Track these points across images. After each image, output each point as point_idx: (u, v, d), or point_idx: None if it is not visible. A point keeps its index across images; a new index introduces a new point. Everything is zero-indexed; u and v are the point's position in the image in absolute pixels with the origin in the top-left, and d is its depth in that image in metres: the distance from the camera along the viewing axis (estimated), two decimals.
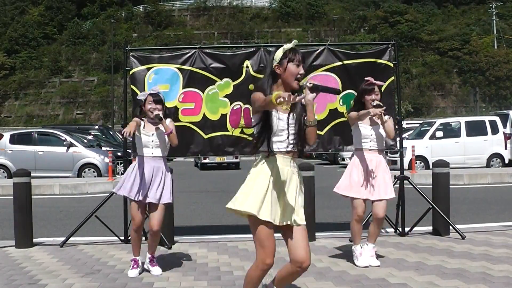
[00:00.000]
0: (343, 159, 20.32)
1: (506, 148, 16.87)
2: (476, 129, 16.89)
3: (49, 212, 8.94)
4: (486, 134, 16.82)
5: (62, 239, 5.99)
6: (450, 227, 5.93)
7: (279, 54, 2.96)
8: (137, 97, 4.70)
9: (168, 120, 4.59)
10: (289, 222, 2.94)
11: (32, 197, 5.97)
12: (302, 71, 2.93)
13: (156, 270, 4.56)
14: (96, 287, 4.16)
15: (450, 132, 17.00)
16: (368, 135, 4.64)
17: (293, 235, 2.94)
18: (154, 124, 4.52)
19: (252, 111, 2.99)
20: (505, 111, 19.06)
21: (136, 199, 4.48)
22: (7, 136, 15.76)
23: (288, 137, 2.92)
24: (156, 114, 4.42)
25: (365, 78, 4.73)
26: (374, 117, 4.58)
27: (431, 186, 6.21)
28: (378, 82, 4.68)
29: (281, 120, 2.90)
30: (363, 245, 4.72)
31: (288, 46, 2.97)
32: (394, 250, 5.25)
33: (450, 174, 6.32)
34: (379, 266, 4.59)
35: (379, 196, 4.60)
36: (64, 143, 15.25)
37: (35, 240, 5.94)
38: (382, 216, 4.63)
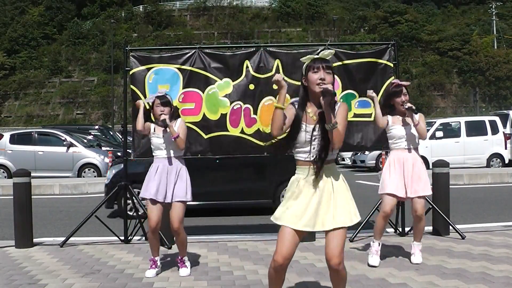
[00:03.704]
0: (343, 159, 20.32)
1: (506, 148, 16.87)
2: (476, 129, 16.89)
3: (49, 212, 8.93)
4: (486, 134, 16.83)
5: (62, 239, 5.99)
6: (450, 227, 5.93)
7: (304, 67, 3.05)
8: (146, 101, 4.70)
9: (179, 121, 4.55)
10: (315, 229, 2.98)
11: (32, 197, 5.96)
12: (321, 76, 2.94)
13: (183, 271, 4.52)
14: (96, 287, 4.16)
15: (450, 132, 17.00)
16: (402, 135, 4.73)
17: (328, 236, 3.00)
18: (164, 127, 4.51)
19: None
20: (505, 111, 19.06)
21: (153, 198, 4.46)
22: (7, 136, 15.76)
23: (312, 148, 2.97)
24: (162, 120, 4.41)
25: (392, 81, 4.83)
26: (406, 118, 4.71)
27: (431, 187, 6.21)
28: (404, 83, 4.75)
29: (307, 133, 2.97)
30: (412, 243, 4.83)
31: (309, 57, 3.03)
32: (394, 250, 5.25)
33: (450, 174, 6.33)
34: (418, 263, 4.65)
35: (416, 193, 4.68)
36: (64, 143, 15.25)
37: (35, 240, 5.94)
38: (421, 213, 4.71)
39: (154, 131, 4.57)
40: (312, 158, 2.97)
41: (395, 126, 4.75)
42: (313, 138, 2.96)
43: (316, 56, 3.01)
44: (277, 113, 2.92)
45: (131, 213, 8.26)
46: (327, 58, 3.00)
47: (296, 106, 3.03)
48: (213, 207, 8.54)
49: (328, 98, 2.87)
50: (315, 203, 2.96)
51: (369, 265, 4.65)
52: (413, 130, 4.72)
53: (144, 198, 4.56)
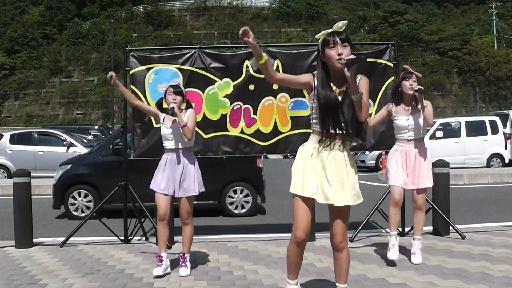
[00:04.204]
0: None
1: (506, 148, 16.87)
2: (476, 129, 16.89)
3: (49, 212, 8.93)
4: (486, 134, 16.82)
5: (62, 239, 5.99)
6: (450, 227, 5.93)
7: (319, 43, 3.05)
8: (158, 89, 4.73)
9: (189, 111, 4.55)
10: (329, 202, 3.00)
11: (32, 197, 5.96)
12: (339, 51, 2.93)
13: (183, 271, 4.49)
14: (96, 287, 4.16)
15: (450, 132, 17.00)
16: (405, 126, 4.73)
17: (333, 213, 3.06)
18: (172, 116, 4.52)
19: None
20: (505, 111, 19.05)
21: (161, 192, 4.46)
22: (7, 136, 15.76)
23: (340, 120, 2.99)
24: (171, 107, 4.43)
25: (404, 66, 4.82)
26: (412, 107, 4.70)
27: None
28: (417, 74, 4.74)
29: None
30: (412, 240, 4.83)
31: (324, 32, 3.04)
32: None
33: (450, 174, 6.33)
34: (418, 264, 4.64)
35: (417, 185, 4.70)
36: (64, 143, 15.25)
37: (35, 240, 5.94)
38: (421, 203, 4.73)
39: (164, 120, 4.58)
40: (338, 131, 2.98)
41: (398, 117, 4.74)
42: (339, 110, 2.98)
43: (330, 30, 3.01)
44: (265, 67, 3.02)
45: (76, 214, 8.36)
46: (341, 30, 2.99)
47: (316, 81, 3.03)
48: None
49: (353, 67, 2.87)
50: (330, 176, 3.00)
51: (388, 260, 4.67)
52: (419, 120, 4.70)
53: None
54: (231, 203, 8.51)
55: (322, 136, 3.01)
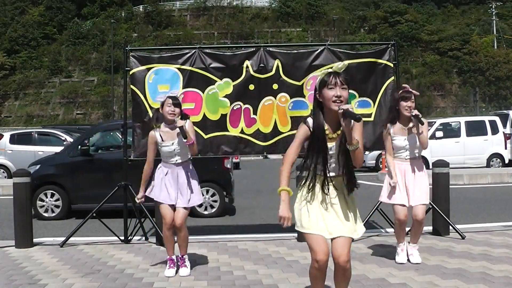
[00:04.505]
0: None
1: (506, 148, 16.86)
2: (476, 129, 16.89)
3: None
4: (486, 134, 16.82)
5: (62, 239, 5.99)
6: (450, 227, 5.93)
7: (317, 82, 3.00)
8: (156, 100, 4.68)
9: (188, 123, 4.45)
10: (337, 235, 3.00)
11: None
12: (337, 93, 2.88)
13: (183, 271, 4.51)
14: (96, 287, 4.16)
15: (450, 132, 17.00)
16: (402, 146, 4.75)
17: (334, 239, 3.03)
18: (172, 129, 4.44)
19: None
20: (505, 111, 19.05)
21: (165, 203, 4.47)
22: (7, 136, 15.76)
23: (329, 165, 2.98)
24: (179, 127, 4.30)
25: (403, 85, 4.82)
26: (409, 127, 4.71)
27: (431, 186, 6.21)
28: (414, 92, 4.76)
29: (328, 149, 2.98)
30: (407, 244, 4.87)
31: (324, 72, 2.98)
32: (394, 250, 5.24)
33: (450, 174, 6.33)
34: (418, 263, 4.68)
35: (415, 203, 4.74)
36: (64, 143, 15.22)
37: (35, 240, 5.94)
38: (421, 218, 4.74)
39: (162, 140, 4.48)
40: (330, 175, 2.99)
41: (396, 137, 4.77)
42: (332, 153, 2.97)
43: (330, 70, 2.95)
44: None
45: (45, 215, 8.39)
46: (341, 70, 2.94)
47: (311, 125, 2.98)
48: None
49: (349, 120, 2.81)
50: (332, 211, 3.01)
51: (396, 263, 4.74)
52: (416, 140, 4.73)
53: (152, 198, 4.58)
54: (199, 205, 8.11)
55: (314, 179, 3.01)
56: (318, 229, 2.99)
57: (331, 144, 2.97)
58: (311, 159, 2.98)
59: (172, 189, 4.47)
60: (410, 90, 4.72)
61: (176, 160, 4.49)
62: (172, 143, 4.45)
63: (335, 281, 3.12)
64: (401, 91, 4.76)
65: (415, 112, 4.66)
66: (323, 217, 3.01)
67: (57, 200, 8.52)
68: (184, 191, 4.49)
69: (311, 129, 2.98)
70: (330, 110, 2.92)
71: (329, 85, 2.89)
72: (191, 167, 4.59)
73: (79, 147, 8.60)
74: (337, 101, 2.87)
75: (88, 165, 8.42)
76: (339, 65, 2.96)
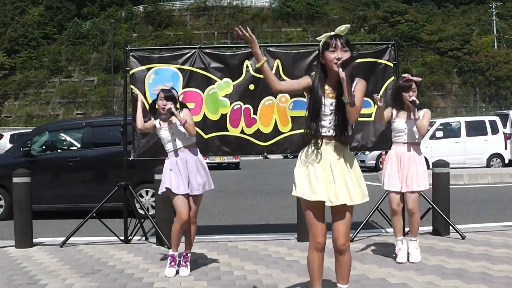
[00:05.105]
0: None
1: (506, 148, 16.88)
2: (476, 129, 16.90)
3: (49, 212, 8.93)
4: (486, 134, 16.83)
5: (62, 239, 5.99)
6: (450, 227, 5.93)
7: (320, 45, 3.05)
8: (152, 91, 4.73)
9: (184, 110, 4.51)
10: (338, 203, 2.98)
11: None
12: (338, 55, 2.94)
13: (183, 271, 4.48)
14: (96, 287, 4.16)
15: (450, 132, 17.01)
16: (402, 129, 4.77)
17: (335, 215, 3.02)
18: (166, 120, 4.49)
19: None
20: (505, 111, 19.06)
21: (179, 192, 4.42)
22: (7, 136, 15.75)
23: (331, 122, 3.00)
24: (168, 109, 4.39)
25: (402, 75, 4.83)
26: (411, 113, 4.72)
27: (431, 186, 6.21)
28: (415, 78, 4.76)
29: (326, 106, 2.99)
30: (408, 241, 4.82)
31: (326, 35, 3.05)
32: (393, 250, 5.24)
33: (450, 174, 6.32)
34: (417, 262, 4.67)
35: (411, 188, 4.72)
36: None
37: (35, 240, 5.94)
38: (412, 207, 4.73)
39: (160, 125, 4.55)
40: (329, 133, 2.99)
41: (397, 120, 4.80)
42: (330, 112, 2.98)
43: (332, 33, 3.01)
44: (265, 68, 2.96)
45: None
46: (343, 33, 3.00)
47: (313, 81, 3.03)
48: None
49: (348, 68, 2.88)
50: (331, 177, 2.98)
51: (396, 262, 4.71)
52: (415, 126, 4.74)
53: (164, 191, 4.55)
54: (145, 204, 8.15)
55: (312, 138, 3.02)
56: (320, 195, 2.95)
57: (329, 101, 3.00)
58: (309, 119, 3.01)
59: (184, 176, 4.43)
60: (411, 78, 4.73)
61: (177, 146, 4.48)
62: (170, 127, 4.48)
63: (336, 270, 3.12)
64: (402, 80, 4.79)
65: (412, 98, 4.67)
66: (325, 182, 2.97)
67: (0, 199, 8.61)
68: (196, 177, 4.46)
69: (313, 82, 3.03)
70: (332, 72, 2.98)
71: (330, 47, 2.96)
72: (195, 153, 4.54)
73: (21, 148, 8.64)
74: (339, 62, 2.93)
75: (30, 166, 7.76)
76: (341, 28, 3.03)
